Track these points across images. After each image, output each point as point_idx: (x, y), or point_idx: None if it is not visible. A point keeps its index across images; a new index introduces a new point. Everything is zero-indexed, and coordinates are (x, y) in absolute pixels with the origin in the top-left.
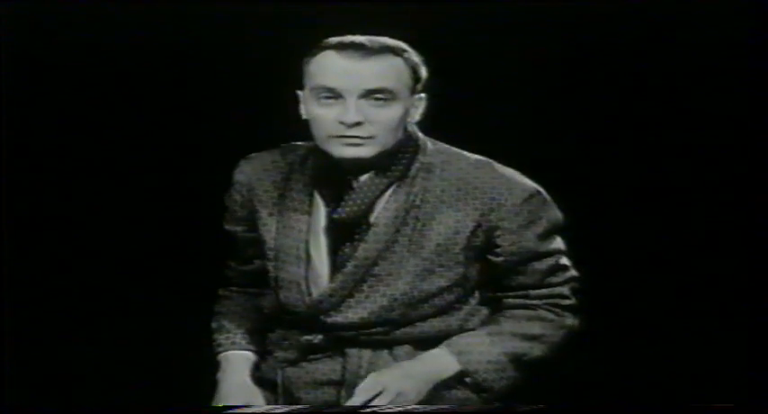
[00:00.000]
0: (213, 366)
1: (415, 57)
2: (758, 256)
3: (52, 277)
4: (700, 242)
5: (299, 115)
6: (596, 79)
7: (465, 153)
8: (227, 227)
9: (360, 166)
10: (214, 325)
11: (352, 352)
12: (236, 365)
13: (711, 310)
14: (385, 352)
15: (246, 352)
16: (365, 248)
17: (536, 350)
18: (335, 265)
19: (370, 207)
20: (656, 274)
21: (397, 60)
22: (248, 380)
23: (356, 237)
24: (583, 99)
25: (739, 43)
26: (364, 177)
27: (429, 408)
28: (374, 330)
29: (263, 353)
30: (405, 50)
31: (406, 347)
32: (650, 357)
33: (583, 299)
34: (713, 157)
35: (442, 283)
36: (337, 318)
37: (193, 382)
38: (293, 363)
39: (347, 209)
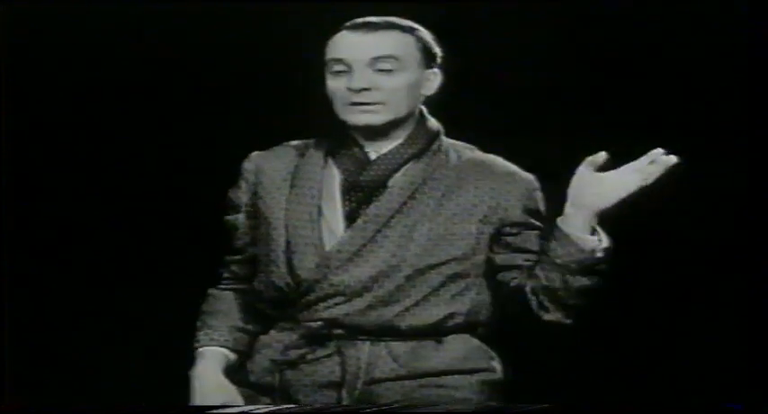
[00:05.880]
0: None
1: (427, 35)
2: (759, 255)
3: (52, 278)
4: (700, 242)
5: (305, 116)
6: (597, 77)
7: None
8: (226, 218)
9: (375, 135)
10: (198, 323)
11: (350, 353)
12: (210, 362)
13: (712, 309)
14: (384, 351)
15: (222, 349)
16: (377, 206)
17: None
18: (349, 225)
19: (389, 176)
20: (656, 274)
21: (405, 36)
22: (222, 377)
23: (373, 199)
24: (583, 99)
25: (740, 42)
26: (384, 150)
27: (429, 408)
28: (376, 298)
29: (246, 353)
30: (415, 29)
31: (406, 346)
32: (650, 357)
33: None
34: (714, 155)
35: (453, 251)
36: (344, 276)
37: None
38: (292, 365)
39: (367, 177)
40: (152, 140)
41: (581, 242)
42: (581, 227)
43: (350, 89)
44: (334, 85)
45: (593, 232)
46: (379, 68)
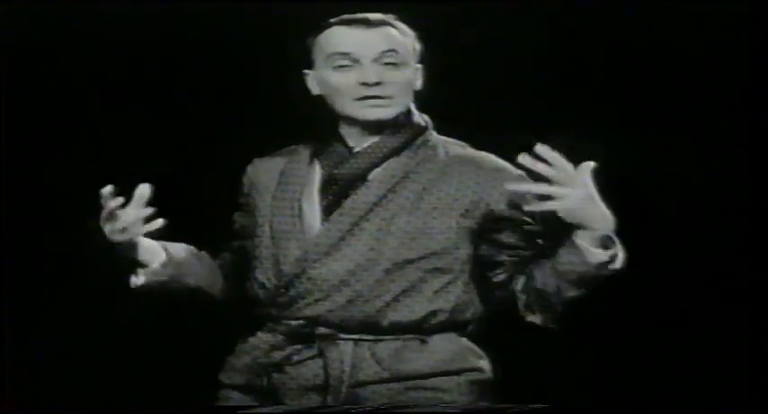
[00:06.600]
0: (214, 367)
1: (409, 30)
2: (759, 255)
3: (52, 279)
4: (700, 241)
5: (305, 117)
6: (594, 76)
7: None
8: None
9: (368, 131)
10: None
11: (333, 355)
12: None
13: (707, 306)
14: (367, 353)
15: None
16: (354, 199)
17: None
18: (326, 218)
19: (368, 170)
20: (649, 273)
21: (399, 32)
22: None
23: (350, 192)
24: (581, 97)
25: (739, 42)
26: (366, 144)
27: (430, 408)
28: (355, 292)
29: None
30: (403, 25)
31: (389, 348)
32: (644, 357)
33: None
34: (714, 154)
35: (432, 245)
36: (322, 270)
37: (194, 381)
38: (278, 367)
39: (343, 171)
40: (151, 140)
41: (587, 254)
42: (589, 241)
43: (364, 83)
44: (340, 79)
45: (608, 247)
46: (385, 62)
